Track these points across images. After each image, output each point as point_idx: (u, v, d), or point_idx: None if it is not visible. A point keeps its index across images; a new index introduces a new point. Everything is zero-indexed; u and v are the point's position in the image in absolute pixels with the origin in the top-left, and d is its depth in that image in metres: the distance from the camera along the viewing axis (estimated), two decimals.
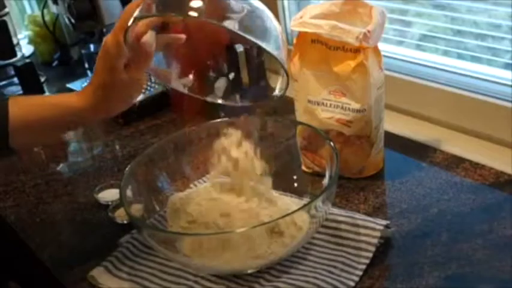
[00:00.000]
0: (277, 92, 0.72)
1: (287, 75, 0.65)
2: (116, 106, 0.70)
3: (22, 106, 0.70)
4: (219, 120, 0.88)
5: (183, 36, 0.71)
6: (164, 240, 0.70)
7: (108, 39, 0.66)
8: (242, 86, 1.15)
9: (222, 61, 1.12)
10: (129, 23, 0.61)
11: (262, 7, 0.65)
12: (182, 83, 0.76)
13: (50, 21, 1.47)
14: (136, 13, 0.61)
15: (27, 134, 0.71)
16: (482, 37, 0.94)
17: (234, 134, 0.77)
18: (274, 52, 0.61)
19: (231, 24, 0.59)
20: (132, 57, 0.66)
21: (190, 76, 0.77)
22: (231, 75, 0.84)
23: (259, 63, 1.17)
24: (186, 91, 0.75)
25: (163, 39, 0.69)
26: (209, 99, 0.77)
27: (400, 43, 1.07)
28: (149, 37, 0.65)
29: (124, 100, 0.70)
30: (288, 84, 0.68)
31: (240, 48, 1.11)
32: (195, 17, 0.59)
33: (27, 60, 1.23)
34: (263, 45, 0.60)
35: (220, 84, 0.82)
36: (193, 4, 0.59)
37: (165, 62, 0.77)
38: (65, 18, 1.39)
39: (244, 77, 1.14)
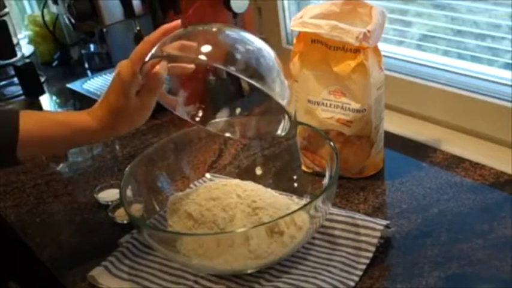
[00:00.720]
0: (279, 132, 0.75)
1: (290, 119, 0.70)
2: (124, 128, 0.73)
3: (33, 121, 0.71)
4: (218, 120, 0.88)
5: (191, 66, 0.74)
6: (164, 240, 0.70)
7: (123, 67, 0.68)
8: (243, 92, 1.14)
9: None
10: (147, 59, 0.67)
11: (264, 46, 0.69)
12: (186, 111, 0.80)
13: (50, 21, 1.48)
14: (153, 51, 0.67)
15: (35, 148, 0.74)
16: (482, 37, 0.94)
17: None
18: (281, 101, 0.66)
19: (237, 69, 0.64)
20: (144, 85, 0.70)
21: (195, 105, 0.81)
22: (238, 110, 0.86)
23: None
24: (189, 119, 0.79)
25: (174, 69, 0.73)
26: (209, 128, 0.81)
27: (400, 43, 1.07)
28: (161, 67, 0.69)
29: (132, 123, 0.73)
30: (291, 125, 0.72)
31: None
32: (204, 60, 0.66)
33: (27, 60, 1.23)
34: (270, 93, 0.65)
35: (223, 114, 0.84)
36: (203, 49, 0.66)
37: (173, 89, 0.81)
38: (65, 18, 1.39)
39: (245, 82, 1.14)
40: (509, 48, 0.91)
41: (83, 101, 1.27)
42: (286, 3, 1.22)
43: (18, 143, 0.69)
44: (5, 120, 0.70)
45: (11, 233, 0.89)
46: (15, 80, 1.25)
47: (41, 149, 0.76)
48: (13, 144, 0.69)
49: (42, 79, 1.37)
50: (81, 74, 1.41)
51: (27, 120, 0.70)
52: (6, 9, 1.24)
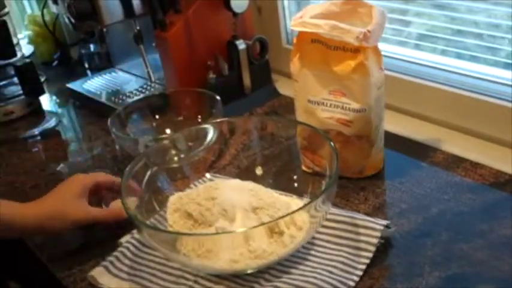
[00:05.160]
0: None
1: None
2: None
3: None
4: (219, 120, 0.88)
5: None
6: (164, 240, 0.70)
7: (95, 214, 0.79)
8: (244, 90, 1.14)
9: (222, 61, 1.12)
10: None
11: None
12: None
13: (50, 21, 1.48)
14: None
15: None
16: (482, 37, 0.94)
17: None
18: None
19: None
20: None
21: None
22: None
23: (263, 63, 1.17)
24: None
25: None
26: None
27: (400, 43, 1.07)
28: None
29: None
30: None
31: (241, 45, 1.11)
32: None
33: (27, 60, 1.23)
34: None
35: None
36: None
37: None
38: (65, 18, 1.40)
39: (246, 79, 1.14)
40: (509, 48, 0.91)
41: (83, 101, 1.27)
42: (286, 3, 1.22)
43: None
44: None
45: None
46: (15, 80, 1.25)
47: None
48: None
49: (42, 79, 1.37)
50: (81, 74, 1.41)
51: None
52: (6, 9, 1.24)
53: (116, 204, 0.82)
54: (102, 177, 0.85)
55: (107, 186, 0.84)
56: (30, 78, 1.22)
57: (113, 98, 1.21)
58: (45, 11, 1.46)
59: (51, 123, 1.20)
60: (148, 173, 0.80)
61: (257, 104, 1.16)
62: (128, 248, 0.77)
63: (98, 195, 0.84)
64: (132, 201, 0.73)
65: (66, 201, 0.78)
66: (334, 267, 0.70)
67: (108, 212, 0.81)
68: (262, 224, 0.70)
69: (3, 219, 0.74)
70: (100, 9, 1.09)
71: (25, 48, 1.50)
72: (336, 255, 0.71)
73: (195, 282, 0.71)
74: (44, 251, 0.82)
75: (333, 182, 0.70)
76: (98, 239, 0.82)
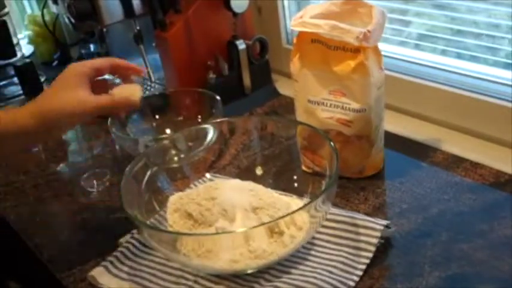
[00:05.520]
0: None
1: None
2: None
3: None
4: (219, 120, 0.88)
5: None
6: (164, 240, 0.70)
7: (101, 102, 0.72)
8: (244, 90, 1.14)
9: (222, 61, 1.12)
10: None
11: None
12: None
13: (50, 21, 1.47)
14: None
15: None
16: (482, 37, 0.94)
17: None
18: None
19: None
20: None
21: None
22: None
23: (263, 63, 1.17)
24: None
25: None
26: None
27: (400, 43, 1.07)
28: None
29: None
30: None
31: (241, 45, 1.11)
32: None
33: (27, 60, 1.23)
34: None
35: None
36: None
37: None
38: (65, 18, 1.39)
39: (246, 79, 1.14)
40: (509, 48, 0.91)
41: None
42: (286, 3, 1.22)
43: None
44: None
45: (11, 233, 0.89)
46: (15, 80, 1.25)
47: None
48: None
49: (42, 79, 1.37)
50: None
51: None
52: (6, 9, 1.24)
53: (119, 90, 0.75)
54: (99, 61, 0.76)
55: (111, 72, 0.77)
56: (30, 78, 1.22)
57: None
58: (45, 11, 1.46)
59: None
60: (148, 173, 0.80)
61: (257, 104, 1.16)
62: (127, 248, 0.77)
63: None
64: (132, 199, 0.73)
65: (59, 93, 0.72)
66: (334, 267, 0.70)
67: (110, 99, 0.74)
68: (262, 224, 0.70)
69: None
70: (100, 9, 1.09)
71: (25, 48, 1.50)
72: (336, 255, 0.71)
73: (195, 282, 0.71)
74: (44, 251, 0.82)
75: (333, 182, 0.70)
76: (98, 239, 0.82)
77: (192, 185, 0.86)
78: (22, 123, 0.70)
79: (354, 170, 0.87)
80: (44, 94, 0.74)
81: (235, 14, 1.09)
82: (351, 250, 0.72)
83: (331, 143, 0.74)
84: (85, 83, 0.73)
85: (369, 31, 0.76)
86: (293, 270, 0.70)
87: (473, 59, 0.96)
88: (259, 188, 0.79)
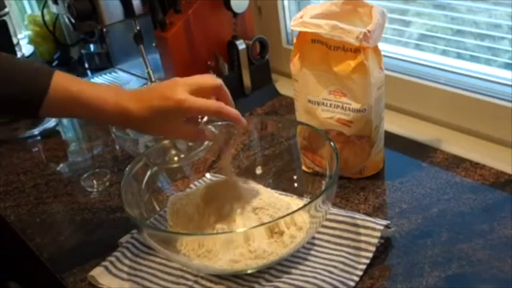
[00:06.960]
0: None
1: None
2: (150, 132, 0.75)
3: (67, 89, 0.68)
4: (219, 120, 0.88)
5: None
6: (164, 240, 0.70)
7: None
8: (244, 90, 1.14)
9: (222, 61, 1.12)
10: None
11: None
12: None
13: (50, 21, 1.47)
14: None
15: (60, 113, 0.74)
16: (482, 37, 0.94)
17: None
18: None
19: None
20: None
21: None
22: None
23: (263, 63, 1.17)
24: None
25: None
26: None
27: (400, 43, 1.07)
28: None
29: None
30: None
31: (241, 45, 1.11)
32: None
33: None
34: None
35: None
36: None
37: None
38: (65, 18, 1.40)
39: (246, 79, 1.14)
40: (509, 48, 0.91)
41: None
42: (286, 3, 1.22)
43: (44, 103, 0.67)
44: (34, 82, 0.67)
45: (11, 233, 0.89)
46: None
47: (66, 115, 0.86)
48: (38, 103, 0.67)
49: None
50: (81, 74, 1.41)
51: (61, 86, 0.68)
52: (6, 9, 1.24)
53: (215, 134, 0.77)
54: (205, 79, 0.70)
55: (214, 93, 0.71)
56: None
57: None
58: (45, 11, 1.46)
59: (51, 123, 1.19)
60: (148, 173, 0.80)
61: (257, 104, 1.16)
62: (127, 248, 0.77)
63: None
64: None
65: (155, 90, 0.69)
66: (334, 267, 0.70)
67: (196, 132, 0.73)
68: (262, 224, 0.70)
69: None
70: (100, 9, 1.09)
71: (25, 48, 1.50)
72: (336, 255, 0.71)
73: (195, 282, 0.71)
74: (44, 251, 0.82)
75: (333, 182, 0.70)
76: (98, 239, 0.82)
77: (192, 185, 0.86)
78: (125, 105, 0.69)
79: (354, 170, 0.87)
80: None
81: (235, 14, 1.09)
82: (351, 250, 0.72)
83: (331, 143, 0.74)
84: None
85: (369, 31, 0.76)
86: (293, 270, 0.70)
87: (473, 59, 0.96)
88: (259, 188, 0.79)
